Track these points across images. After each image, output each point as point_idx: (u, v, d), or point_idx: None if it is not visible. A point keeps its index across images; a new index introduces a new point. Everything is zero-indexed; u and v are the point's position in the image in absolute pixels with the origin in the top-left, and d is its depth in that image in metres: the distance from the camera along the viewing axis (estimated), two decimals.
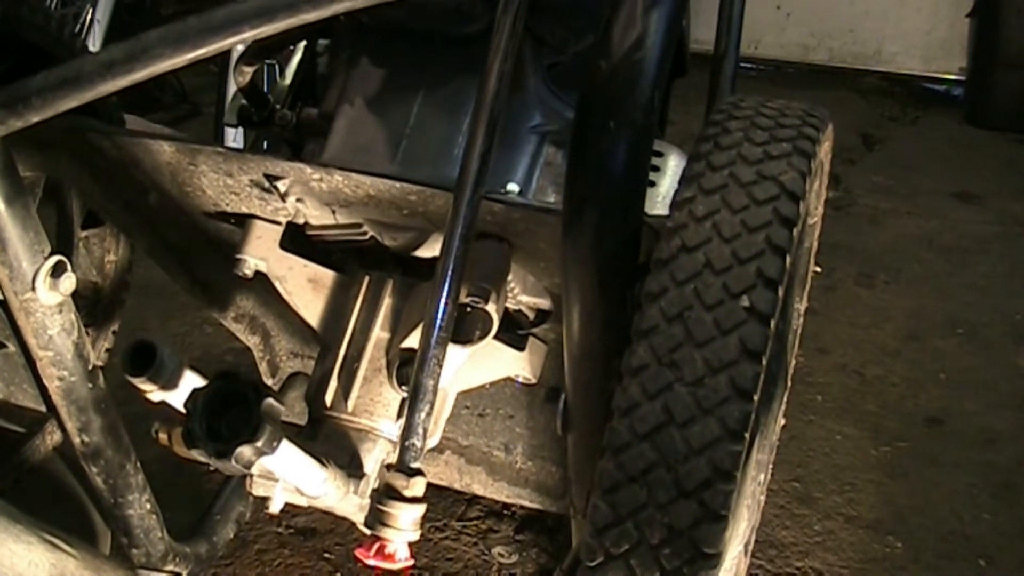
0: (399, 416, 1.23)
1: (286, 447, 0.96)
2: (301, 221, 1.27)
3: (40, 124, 0.82)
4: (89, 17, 2.75)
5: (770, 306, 0.88)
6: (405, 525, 1.02)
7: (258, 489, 1.11)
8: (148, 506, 1.14)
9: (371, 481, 1.19)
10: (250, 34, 0.80)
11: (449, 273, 1.01)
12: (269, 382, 1.63)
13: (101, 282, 1.71)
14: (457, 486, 1.56)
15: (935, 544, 1.83)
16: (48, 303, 0.94)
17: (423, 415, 1.01)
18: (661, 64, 0.93)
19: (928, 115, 3.69)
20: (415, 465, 1.02)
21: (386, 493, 1.02)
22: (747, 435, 0.86)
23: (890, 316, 2.51)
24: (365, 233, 1.27)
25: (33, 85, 0.81)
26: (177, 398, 1.03)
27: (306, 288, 1.30)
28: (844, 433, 2.10)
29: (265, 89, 1.55)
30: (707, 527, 0.84)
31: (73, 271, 0.95)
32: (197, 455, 0.92)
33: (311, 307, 1.30)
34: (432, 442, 1.29)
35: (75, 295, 0.97)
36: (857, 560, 1.79)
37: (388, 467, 1.07)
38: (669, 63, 0.95)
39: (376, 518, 1.02)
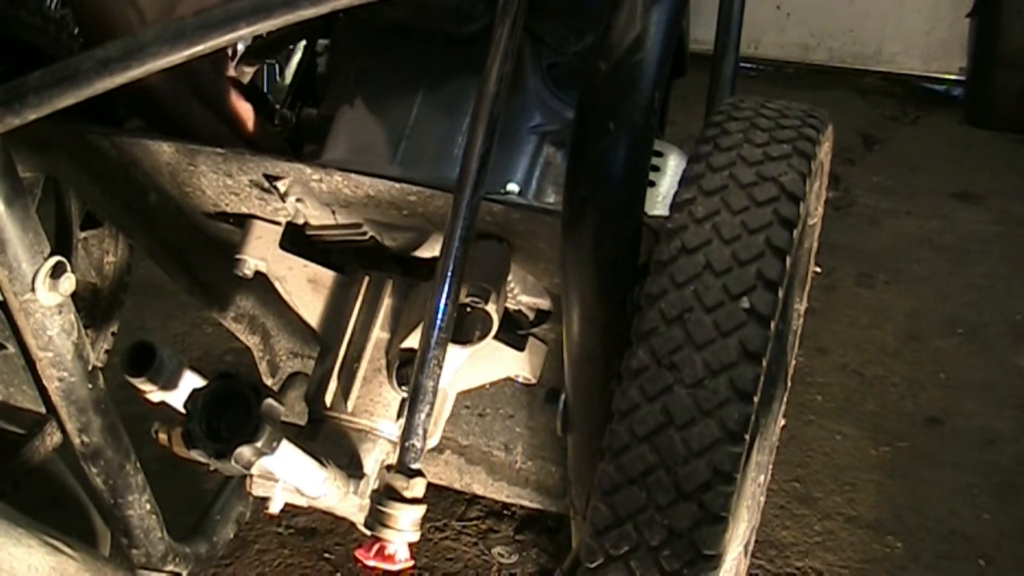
0: (399, 416, 1.23)
1: (286, 447, 0.96)
2: (301, 221, 1.26)
3: (38, 122, 0.82)
4: None
5: (770, 308, 0.88)
6: (405, 526, 1.02)
7: (258, 489, 1.11)
8: (148, 506, 1.14)
9: (371, 481, 1.19)
10: (247, 31, 0.80)
11: (449, 273, 1.01)
12: (269, 382, 1.63)
13: (100, 283, 1.71)
14: (457, 486, 1.56)
15: (935, 544, 1.83)
16: (48, 304, 0.94)
17: (423, 416, 1.01)
18: (661, 64, 0.93)
19: (928, 115, 3.68)
20: (415, 466, 1.02)
21: (386, 494, 1.02)
22: (747, 437, 0.86)
23: (890, 316, 2.50)
24: (365, 233, 1.27)
25: (30, 83, 0.80)
26: (177, 398, 1.03)
27: (306, 288, 1.30)
28: (844, 433, 2.10)
29: (265, 89, 1.55)
30: (707, 529, 0.84)
31: (72, 272, 0.95)
32: (197, 455, 0.92)
33: (311, 307, 1.30)
34: (432, 442, 1.29)
35: (74, 296, 0.97)
36: (857, 560, 1.79)
37: (388, 468, 1.07)
38: (669, 63, 0.95)
39: (376, 519, 1.02)
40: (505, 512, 1.85)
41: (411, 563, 1.05)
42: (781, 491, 1.92)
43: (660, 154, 1.42)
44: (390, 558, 1.03)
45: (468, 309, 1.13)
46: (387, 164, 1.28)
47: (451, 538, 1.79)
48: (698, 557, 0.85)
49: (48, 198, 1.58)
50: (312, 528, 1.80)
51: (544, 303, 1.30)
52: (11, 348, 1.50)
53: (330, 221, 1.26)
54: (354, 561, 1.32)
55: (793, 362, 1.47)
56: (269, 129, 1.34)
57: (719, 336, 0.88)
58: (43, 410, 1.50)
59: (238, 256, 1.25)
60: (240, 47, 1.40)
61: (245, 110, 1.29)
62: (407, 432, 1.02)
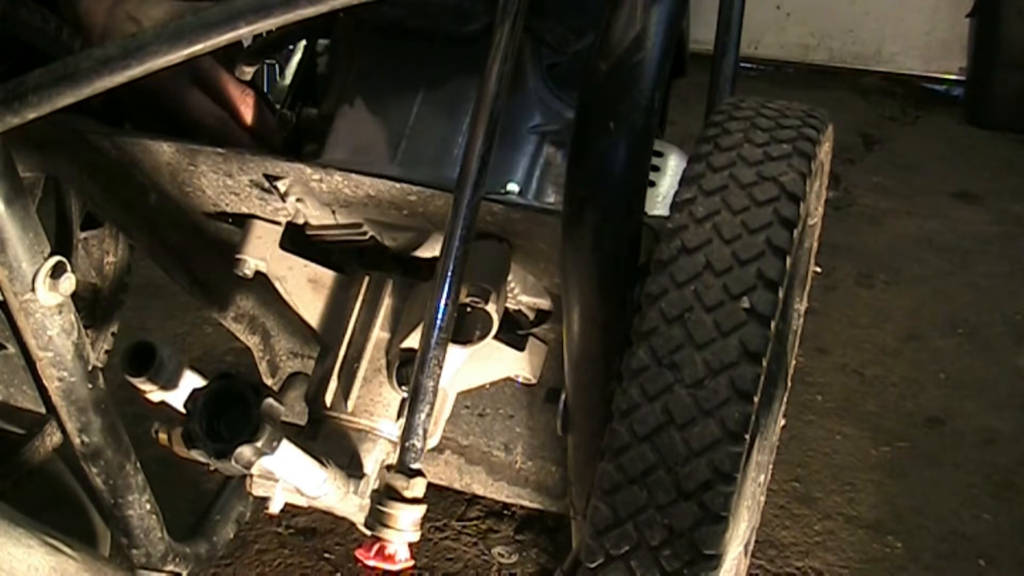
0: (399, 416, 1.23)
1: (286, 447, 0.96)
2: (301, 221, 1.26)
3: (38, 122, 0.82)
4: None
5: (770, 307, 0.88)
6: (405, 526, 1.02)
7: (258, 489, 1.11)
8: (148, 506, 1.14)
9: (371, 481, 1.19)
10: (247, 30, 0.80)
11: (449, 273, 1.01)
12: (269, 382, 1.63)
13: (100, 284, 1.71)
14: (457, 486, 1.55)
15: (935, 544, 1.83)
16: (48, 304, 0.94)
17: (423, 415, 1.01)
18: (661, 64, 0.93)
19: (928, 115, 3.68)
20: (415, 466, 1.02)
21: (386, 494, 1.02)
22: (747, 437, 0.86)
23: (890, 316, 2.51)
24: (365, 233, 1.27)
25: (30, 82, 0.80)
26: (177, 398, 1.03)
27: (306, 288, 1.30)
28: (844, 433, 2.10)
29: (265, 89, 1.55)
30: (707, 529, 0.84)
31: (72, 272, 0.95)
32: (197, 455, 0.92)
33: (311, 307, 1.30)
34: (432, 442, 1.29)
35: (74, 297, 0.97)
36: (857, 560, 1.79)
37: (388, 468, 1.07)
38: (669, 63, 0.95)
39: (376, 519, 1.02)
40: (505, 512, 1.85)
41: (411, 563, 1.05)
42: (781, 491, 1.92)
43: (660, 154, 1.42)
44: (390, 558, 1.03)
45: (468, 309, 1.13)
46: (387, 164, 1.28)
47: (451, 538, 1.80)
48: (698, 557, 0.85)
49: (48, 198, 1.58)
50: (312, 528, 1.80)
51: (544, 303, 1.30)
52: (11, 348, 1.50)
53: (330, 221, 1.26)
54: (354, 561, 1.32)
55: (793, 362, 1.47)
56: (268, 118, 1.34)
57: (719, 336, 0.88)
58: (43, 410, 1.51)
59: (238, 256, 1.25)
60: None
61: (244, 98, 1.29)
62: (407, 432, 1.02)
